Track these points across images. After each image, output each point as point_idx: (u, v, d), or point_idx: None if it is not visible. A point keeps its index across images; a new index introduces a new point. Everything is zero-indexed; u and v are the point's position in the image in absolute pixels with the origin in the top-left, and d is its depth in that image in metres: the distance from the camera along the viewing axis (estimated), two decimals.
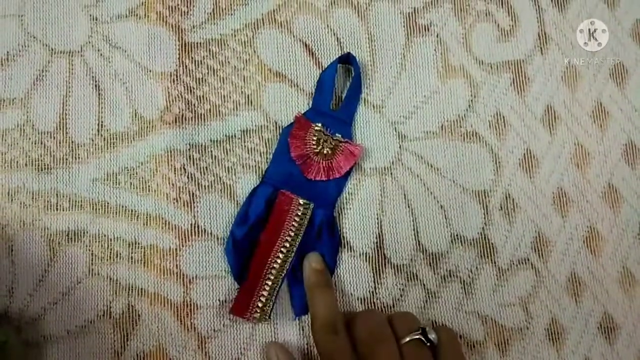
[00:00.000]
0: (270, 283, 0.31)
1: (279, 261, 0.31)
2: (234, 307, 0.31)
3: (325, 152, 0.33)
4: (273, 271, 0.31)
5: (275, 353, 0.30)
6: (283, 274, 0.31)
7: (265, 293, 0.31)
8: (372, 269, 0.33)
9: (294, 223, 0.32)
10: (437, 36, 0.36)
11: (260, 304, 0.31)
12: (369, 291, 0.33)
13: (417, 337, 0.28)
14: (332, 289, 0.31)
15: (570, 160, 0.35)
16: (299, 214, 0.32)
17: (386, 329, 0.28)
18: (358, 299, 0.33)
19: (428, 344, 0.28)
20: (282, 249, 0.31)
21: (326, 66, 0.34)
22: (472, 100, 0.35)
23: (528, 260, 0.34)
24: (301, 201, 0.32)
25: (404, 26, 0.36)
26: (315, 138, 0.33)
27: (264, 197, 0.32)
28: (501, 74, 0.36)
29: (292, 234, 0.32)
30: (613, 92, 0.37)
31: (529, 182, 0.35)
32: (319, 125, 0.33)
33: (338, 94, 0.35)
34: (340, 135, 0.33)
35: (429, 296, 0.33)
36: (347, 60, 0.34)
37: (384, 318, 0.29)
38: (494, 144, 0.35)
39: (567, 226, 0.35)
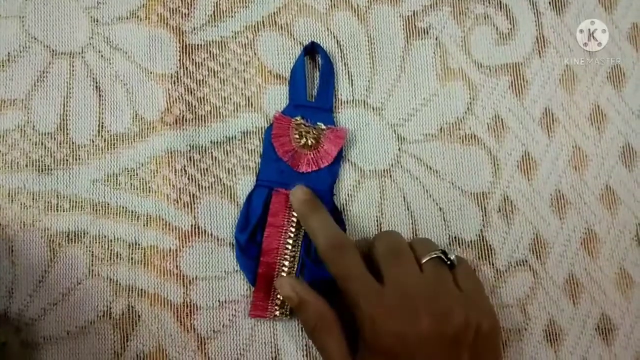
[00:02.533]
0: None
1: (287, 257, 0.32)
2: (253, 309, 0.31)
3: (310, 143, 0.33)
4: (284, 268, 0.32)
5: (290, 286, 0.29)
6: (295, 269, 0.32)
7: None
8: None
9: (293, 218, 0.32)
10: (436, 39, 0.36)
11: (278, 302, 0.31)
12: None
13: (437, 255, 0.28)
14: (326, 211, 0.31)
15: (568, 162, 0.36)
16: None
17: (405, 246, 0.28)
18: None
19: (448, 262, 0.28)
20: (287, 245, 0.32)
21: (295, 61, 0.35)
22: (470, 103, 0.36)
23: (526, 262, 0.34)
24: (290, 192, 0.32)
25: (403, 29, 0.36)
26: (297, 132, 0.33)
27: (260, 200, 0.32)
28: (500, 76, 0.36)
29: (294, 229, 0.32)
30: (610, 95, 0.37)
31: (527, 185, 0.35)
32: (298, 118, 0.33)
33: (315, 85, 0.35)
34: (321, 124, 0.33)
35: None
36: (312, 49, 0.35)
37: (403, 238, 0.29)
38: (493, 146, 0.35)
39: (564, 228, 0.35)
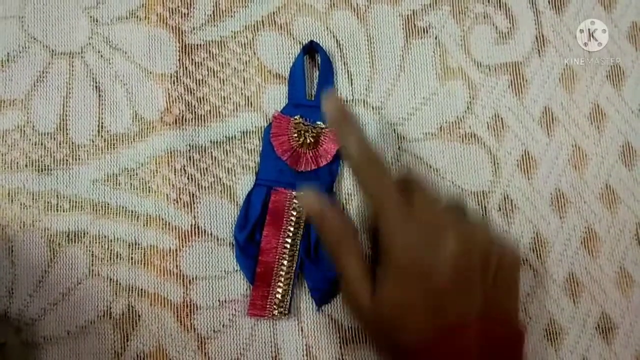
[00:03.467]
0: (283, 279, 0.31)
1: (286, 256, 0.32)
2: (251, 309, 0.31)
3: (308, 141, 0.33)
4: (283, 267, 0.32)
5: (315, 198, 0.28)
6: (294, 268, 0.32)
7: (280, 290, 0.31)
8: (373, 270, 0.33)
9: (292, 217, 0.32)
10: (436, 38, 0.36)
11: (277, 301, 0.31)
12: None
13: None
14: (358, 123, 0.29)
15: (568, 161, 0.36)
16: (295, 206, 0.32)
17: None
18: None
19: None
20: (285, 245, 0.32)
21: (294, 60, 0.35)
22: (470, 102, 0.36)
23: (526, 260, 0.34)
24: (295, 193, 0.32)
25: (402, 28, 0.36)
26: (295, 131, 0.33)
27: (259, 199, 0.32)
28: (499, 75, 0.36)
29: (293, 228, 0.32)
30: (610, 94, 0.37)
31: (527, 184, 0.35)
32: (297, 117, 0.33)
33: (314, 84, 0.35)
34: (321, 123, 0.33)
35: None
36: (312, 49, 0.35)
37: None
38: (492, 145, 0.35)
39: (564, 227, 0.35)
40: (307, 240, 0.32)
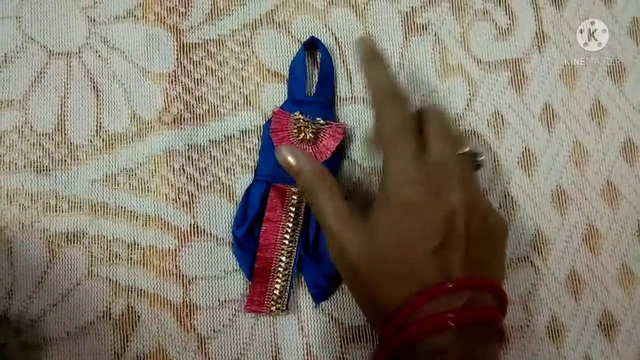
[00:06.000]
0: (281, 275, 0.31)
1: (284, 252, 0.31)
2: (249, 304, 0.31)
3: (308, 137, 0.33)
4: (281, 263, 0.31)
5: (290, 151, 0.29)
6: (292, 265, 0.31)
7: (278, 286, 0.31)
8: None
9: (290, 213, 0.32)
10: (435, 35, 0.36)
11: (274, 297, 0.31)
12: None
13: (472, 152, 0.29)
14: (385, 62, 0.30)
15: (569, 158, 0.36)
16: (294, 202, 0.32)
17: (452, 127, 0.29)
18: None
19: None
20: (284, 241, 0.32)
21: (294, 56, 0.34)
22: (470, 99, 0.35)
23: (527, 258, 0.34)
24: (294, 189, 0.32)
25: (401, 25, 0.36)
26: (295, 127, 0.33)
27: (258, 195, 0.32)
28: (499, 72, 0.36)
29: (291, 224, 0.32)
30: (611, 90, 0.37)
31: (527, 181, 0.35)
32: (297, 113, 0.33)
33: (314, 81, 0.35)
34: (320, 119, 0.33)
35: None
36: (312, 45, 0.34)
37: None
38: (493, 142, 0.35)
39: (566, 224, 0.35)
40: (305, 236, 0.32)
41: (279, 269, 0.31)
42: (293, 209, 0.32)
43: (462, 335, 0.24)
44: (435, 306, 0.24)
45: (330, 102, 0.34)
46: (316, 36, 0.35)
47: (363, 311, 0.28)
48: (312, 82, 0.35)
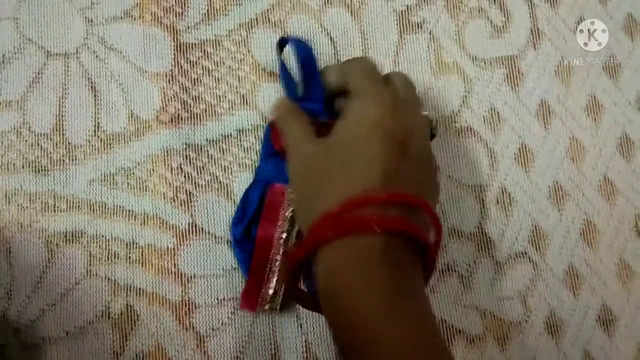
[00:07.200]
0: (277, 275, 0.31)
1: (280, 252, 0.31)
2: (242, 302, 0.31)
3: None
4: (277, 263, 0.31)
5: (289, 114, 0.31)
6: None
7: (272, 285, 0.31)
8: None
9: (288, 214, 0.32)
10: (430, 33, 0.36)
11: (268, 296, 0.31)
12: None
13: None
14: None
15: (566, 154, 0.36)
16: (292, 201, 0.32)
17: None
18: None
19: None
20: (280, 240, 0.32)
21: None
22: (466, 96, 0.36)
23: (525, 253, 0.34)
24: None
25: (396, 24, 0.36)
26: None
27: (257, 194, 0.32)
28: (495, 69, 0.36)
29: (288, 224, 0.32)
30: (606, 85, 0.37)
31: (524, 177, 0.35)
32: None
33: None
34: (318, 118, 0.32)
35: (427, 290, 0.33)
36: (283, 44, 0.33)
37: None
38: (489, 139, 0.35)
39: (563, 219, 0.35)
40: (303, 237, 0.32)
41: (275, 268, 0.31)
42: (291, 209, 0.32)
43: (388, 243, 0.24)
44: (367, 211, 0.25)
45: (321, 95, 0.32)
46: (311, 36, 0.35)
47: (298, 214, 0.30)
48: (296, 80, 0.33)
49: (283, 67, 0.33)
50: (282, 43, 0.32)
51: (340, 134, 0.28)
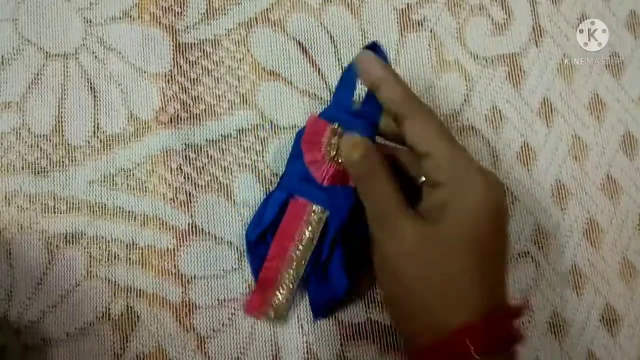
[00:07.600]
0: (285, 286, 0.30)
1: (293, 265, 0.30)
2: (248, 309, 0.31)
3: (339, 160, 0.29)
4: (287, 275, 0.30)
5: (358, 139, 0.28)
6: (299, 277, 0.30)
7: (279, 295, 0.30)
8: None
9: (306, 230, 0.30)
10: (431, 31, 0.36)
11: (274, 305, 0.31)
12: (372, 289, 0.33)
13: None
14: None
15: (568, 152, 0.35)
16: (312, 220, 0.30)
17: None
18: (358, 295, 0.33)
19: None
20: (293, 256, 0.30)
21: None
22: (467, 95, 0.35)
23: (528, 253, 0.34)
24: (315, 207, 0.30)
25: (397, 22, 0.36)
26: (330, 141, 0.29)
27: (278, 203, 0.31)
28: (496, 67, 0.36)
29: (305, 240, 0.30)
30: (609, 83, 0.36)
31: (527, 175, 0.35)
32: (336, 125, 0.29)
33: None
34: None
35: None
36: (373, 49, 0.29)
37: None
38: (491, 137, 0.35)
39: (566, 219, 0.35)
40: (317, 256, 0.30)
41: (285, 281, 0.30)
42: (309, 227, 0.30)
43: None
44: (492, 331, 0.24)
45: (377, 120, 0.29)
46: (311, 35, 0.35)
47: (393, 307, 0.27)
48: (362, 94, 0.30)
49: (352, 74, 0.29)
50: (371, 48, 0.29)
51: (451, 222, 0.25)
